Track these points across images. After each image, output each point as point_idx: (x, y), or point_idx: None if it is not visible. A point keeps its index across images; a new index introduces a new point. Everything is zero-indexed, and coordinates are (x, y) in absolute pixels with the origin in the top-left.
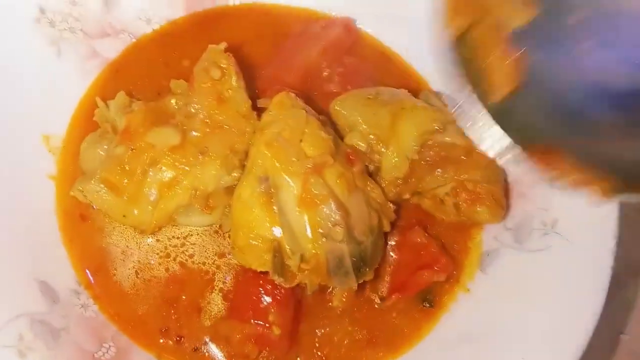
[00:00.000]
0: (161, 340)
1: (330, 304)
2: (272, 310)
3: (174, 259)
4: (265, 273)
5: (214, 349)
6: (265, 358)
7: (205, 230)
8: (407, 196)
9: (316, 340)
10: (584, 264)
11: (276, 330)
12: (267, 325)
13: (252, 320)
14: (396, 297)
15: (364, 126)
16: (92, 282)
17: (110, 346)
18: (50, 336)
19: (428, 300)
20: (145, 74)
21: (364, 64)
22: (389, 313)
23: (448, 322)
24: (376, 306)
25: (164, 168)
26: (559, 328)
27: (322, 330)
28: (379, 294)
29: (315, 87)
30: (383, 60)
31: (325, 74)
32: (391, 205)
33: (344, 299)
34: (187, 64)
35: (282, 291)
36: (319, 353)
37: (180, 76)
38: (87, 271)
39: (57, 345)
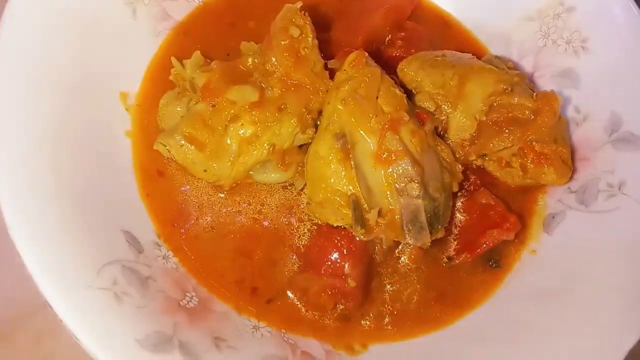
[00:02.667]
0: (236, 289)
1: (399, 262)
2: (348, 264)
3: (247, 215)
4: (340, 228)
5: (288, 300)
6: (340, 310)
7: (276, 188)
8: (473, 157)
9: (387, 296)
10: None
11: (351, 283)
12: (342, 277)
13: (328, 273)
14: (465, 256)
15: (431, 87)
16: (170, 236)
17: (192, 296)
18: (140, 283)
19: (495, 261)
20: (214, 35)
21: (424, 29)
22: (456, 273)
23: (514, 282)
24: (444, 265)
25: (244, 124)
26: (628, 287)
27: (392, 287)
28: (447, 254)
29: (379, 51)
30: (443, 26)
31: (387, 38)
32: (459, 166)
33: (414, 257)
34: (252, 26)
35: (356, 246)
36: (390, 308)
37: (247, 37)
38: (165, 225)
39: (147, 292)
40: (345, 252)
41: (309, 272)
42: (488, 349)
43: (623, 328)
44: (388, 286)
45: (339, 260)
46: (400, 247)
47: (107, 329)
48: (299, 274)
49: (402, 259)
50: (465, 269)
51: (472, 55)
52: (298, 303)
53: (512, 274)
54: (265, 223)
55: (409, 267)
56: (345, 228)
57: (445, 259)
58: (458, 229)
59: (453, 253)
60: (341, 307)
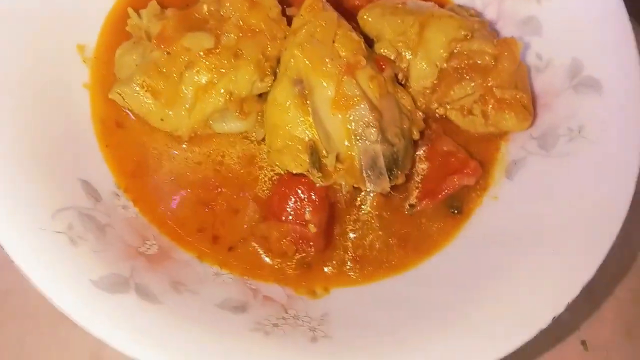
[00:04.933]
0: (198, 238)
1: (361, 210)
2: (308, 210)
3: (208, 166)
4: (300, 175)
5: (250, 248)
6: (302, 257)
7: (237, 138)
8: (434, 106)
9: (349, 242)
10: (611, 164)
11: (312, 228)
12: (303, 223)
13: (289, 220)
14: (426, 203)
15: (392, 34)
16: (130, 186)
17: (153, 244)
18: (97, 229)
19: (456, 207)
20: None
21: None
22: (418, 219)
23: (476, 227)
24: (406, 212)
25: (199, 71)
26: (586, 227)
27: (355, 234)
28: (409, 201)
29: (341, 1)
30: None
31: None
32: (420, 114)
33: (375, 204)
34: None
35: (317, 193)
36: (352, 254)
37: None
38: (125, 175)
39: (104, 238)
40: (305, 199)
41: (271, 220)
42: (449, 291)
43: (580, 265)
44: (351, 233)
45: (299, 207)
46: (362, 194)
47: (60, 270)
48: (260, 222)
49: (365, 206)
50: (427, 215)
51: (434, 3)
52: (260, 250)
53: (473, 220)
54: (226, 174)
55: (371, 215)
56: (305, 175)
57: (407, 206)
58: (420, 176)
59: (415, 200)
60: (303, 254)
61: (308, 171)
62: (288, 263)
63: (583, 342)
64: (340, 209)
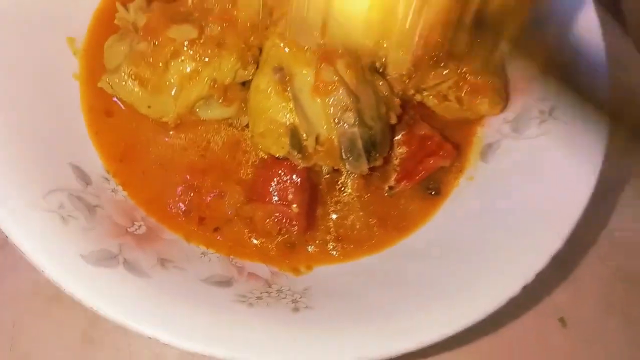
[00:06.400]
0: (184, 220)
1: (342, 191)
2: (291, 191)
3: (194, 151)
4: (283, 159)
5: (234, 228)
6: (285, 237)
7: (222, 125)
8: (411, 92)
9: (331, 223)
10: (580, 142)
11: (295, 209)
12: (286, 204)
13: (272, 200)
14: (405, 184)
15: None
16: (118, 171)
17: (141, 225)
18: (87, 210)
19: (433, 188)
20: None
21: None
22: (397, 200)
23: (453, 206)
24: (385, 194)
25: (184, 60)
26: (555, 201)
27: (336, 215)
28: (388, 184)
29: None
30: None
31: None
32: (397, 100)
33: (356, 186)
34: None
35: (299, 174)
36: (334, 234)
37: None
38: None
39: (94, 217)
40: (288, 181)
41: (255, 202)
42: (426, 264)
43: (549, 237)
44: (333, 214)
45: (282, 188)
46: (343, 177)
47: (52, 245)
48: (245, 204)
49: (346, 188)
50: (406, 196)
51: None
52: (245, 230)
53: (450, 199)
54: (212, 159)
55: (352, 196)
56: (287, 159)
57: (387, 189)
58: (398, 160)
59: (394, 182)
60: (286, 235)
61: (289, 153)
62: (272, 243)
63: (561, 319)
64: (322, 191)
